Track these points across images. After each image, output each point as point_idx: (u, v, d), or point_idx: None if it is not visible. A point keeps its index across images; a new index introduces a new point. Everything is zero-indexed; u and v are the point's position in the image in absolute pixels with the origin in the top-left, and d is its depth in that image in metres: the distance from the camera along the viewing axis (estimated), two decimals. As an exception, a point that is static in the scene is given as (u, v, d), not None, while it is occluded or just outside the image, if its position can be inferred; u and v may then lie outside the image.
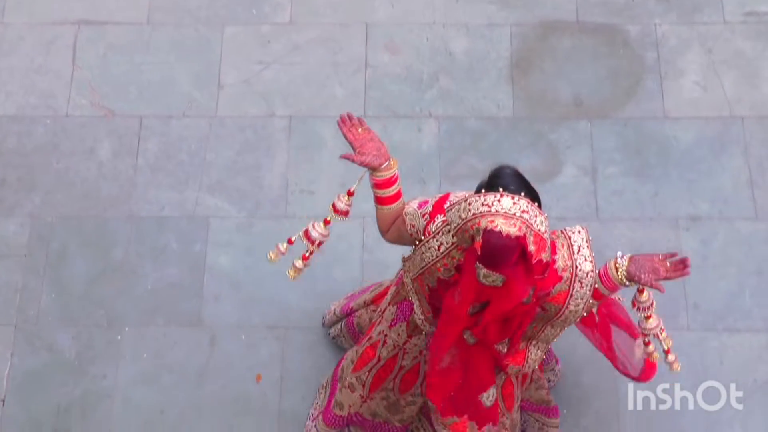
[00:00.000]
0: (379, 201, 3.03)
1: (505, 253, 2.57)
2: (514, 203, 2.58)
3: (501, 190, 2.62)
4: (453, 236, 2.72)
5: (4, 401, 4.13)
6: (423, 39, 4.83)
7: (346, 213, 3.07)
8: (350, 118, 2.99)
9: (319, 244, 3.07)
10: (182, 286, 4.33)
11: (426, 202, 2.99)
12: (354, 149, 2.96)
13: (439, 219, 2.90)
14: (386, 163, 2.97)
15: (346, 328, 3.97)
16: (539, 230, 2.60)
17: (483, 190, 2.67)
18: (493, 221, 2.56)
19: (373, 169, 2.97)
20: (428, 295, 3.03)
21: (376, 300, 3.71)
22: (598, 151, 4.57)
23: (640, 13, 4.86)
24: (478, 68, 4.78)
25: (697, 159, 4.55)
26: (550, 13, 4.88)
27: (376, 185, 3.00)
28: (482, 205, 2.60)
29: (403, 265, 3.16)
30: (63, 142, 4.62)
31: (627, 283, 2.95)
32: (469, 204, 2.63)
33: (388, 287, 3.54)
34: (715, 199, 4.46)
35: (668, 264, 2.92)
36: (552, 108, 4.69)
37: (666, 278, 2.92)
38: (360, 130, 2.98)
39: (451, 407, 3.17)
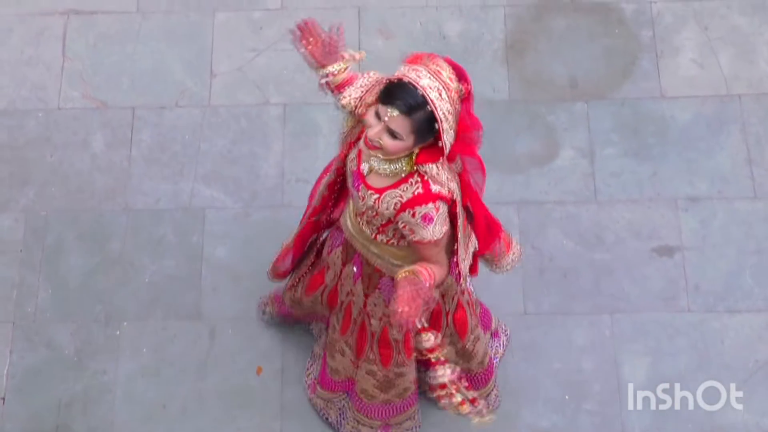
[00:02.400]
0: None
1: (457, 65, 2.87)
2: (418, 70, 2.77)
3: (401, 78, 2.76)
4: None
5: (4, 399, 4.11)
6: (416, 23, 4.78)
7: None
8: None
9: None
10: (180, 279, 4.30)
11: (430, 217, 2.91)
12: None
13: (454, 186, 2.94)
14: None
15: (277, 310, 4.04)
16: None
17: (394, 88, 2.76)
18: (430, 67, 2.80)
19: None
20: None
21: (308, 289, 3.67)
22: (595, 132, 4.54)
23: (634, -10, 4.82)
24: (472, 51, 4.74)
25: (695, 138, 4.52)
26: (544, -7, 4.84)
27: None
28: (432, 80, 2.78)
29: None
30: (55, 135, 4.58)
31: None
32: (439, 95, 2.77)
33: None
34: (713, 178, 4.44)
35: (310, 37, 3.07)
36: (548, 89, 4.65)
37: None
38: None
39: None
